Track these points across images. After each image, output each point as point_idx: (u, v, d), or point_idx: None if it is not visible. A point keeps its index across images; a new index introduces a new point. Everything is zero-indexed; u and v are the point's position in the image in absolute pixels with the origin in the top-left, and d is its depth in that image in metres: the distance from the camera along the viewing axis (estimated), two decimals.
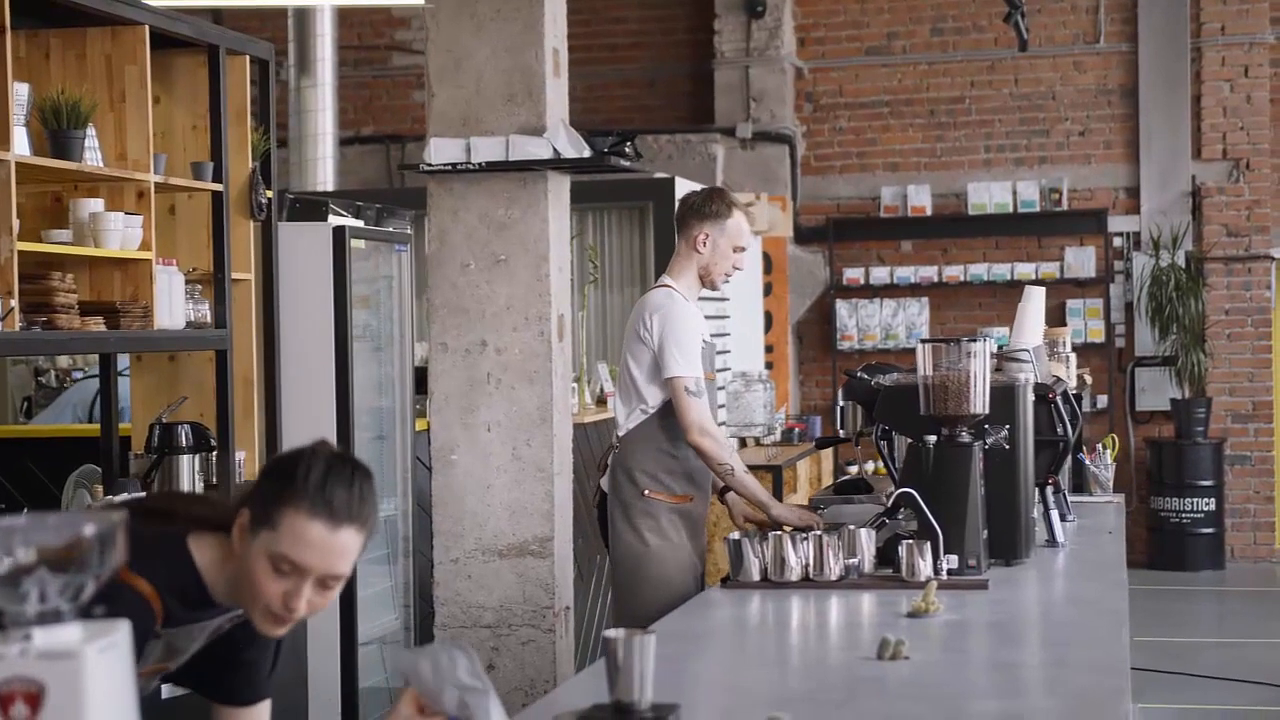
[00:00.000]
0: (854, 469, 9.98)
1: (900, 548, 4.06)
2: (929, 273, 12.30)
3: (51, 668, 1.65)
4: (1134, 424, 12.20)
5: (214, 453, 5.38)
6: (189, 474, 5.21)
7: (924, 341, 4.29)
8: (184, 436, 5.22)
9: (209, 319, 5.37)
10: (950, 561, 4.11)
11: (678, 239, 5.11)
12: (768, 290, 11.94)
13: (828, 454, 10.57)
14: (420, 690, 2.37)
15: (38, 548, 1.69)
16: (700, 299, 8.72)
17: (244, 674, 2.79)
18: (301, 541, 2.47)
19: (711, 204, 5.06)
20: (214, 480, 5.40)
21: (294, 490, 2.48)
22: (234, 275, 5.51)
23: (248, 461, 5.63)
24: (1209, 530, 11.74)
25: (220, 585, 2.58)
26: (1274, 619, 10.32)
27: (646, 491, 4.96)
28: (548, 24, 5.41)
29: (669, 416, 4.93)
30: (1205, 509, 11.70)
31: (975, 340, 4.26)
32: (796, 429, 10.34)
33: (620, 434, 5.08)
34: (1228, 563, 11.87)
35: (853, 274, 12.42)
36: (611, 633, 2.65)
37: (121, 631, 1.71)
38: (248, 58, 5.64)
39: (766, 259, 11.90)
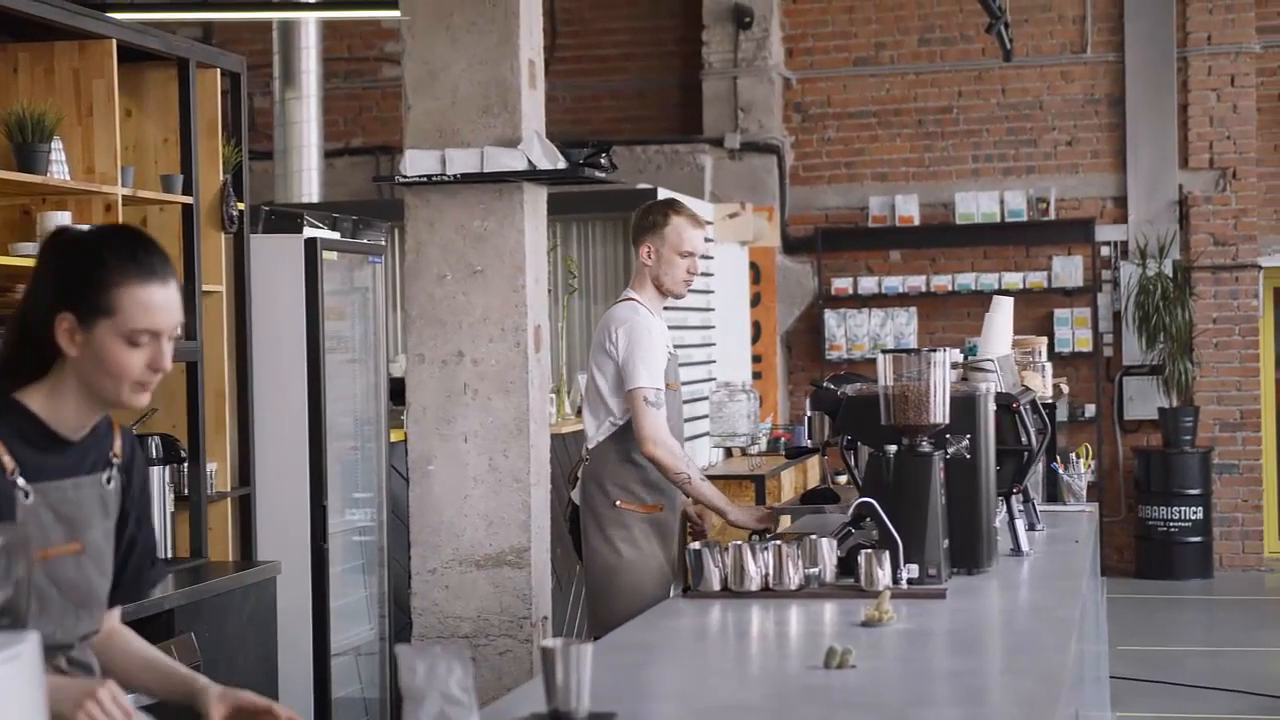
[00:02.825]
0: (843, 479, 9.98)
1: (859, 557, 4.07)
2: (917, 282, 12.32)
3: None
4: (1122, 433, 12.21)
5: (185, 464, 5.39)
6: (159, 485, 5.22)
7: (885, 352, 4.31)
8: (154, 448, 5.23)
9: (179, 331, 5.38)
10: (910, 571, 4.11)
11: (634, 254, 5.20)
12: (756, 300, 11.96)
13: (814, 463, 10.58)
14: (404, 688, 2.38)
15: None
16: (682, 309, 8.73)
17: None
18: (148, 309, 2.57)
19: (649, 216, 5.17)
20: (185, 492, 5.41)
21: (114, 270, 2.56)
22: (205, 287, 5.53)
23: (219, 473, 5.65)
24: (1197, 539, 11.74)
25: (64, 418, 2.63)
26: (1261, 628, 10.31)
27: (618, 502, 5.02)
28: (523, 36, 5.42)
29: None
30: (1193, 518, 11.71)
31: (935, 350, 4.27)
32: (783, 439, 10.34)
33: (589, 446, 5.14)
34: (1215, 571, 11.88)
35: (841, 284, 12.44)
36: (548, 643, 2.68)
37: (28, 643, 1.73)
38: (219, 71, 5.67)
39: (755, 269, 11.93)
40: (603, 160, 5.64)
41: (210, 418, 5.57)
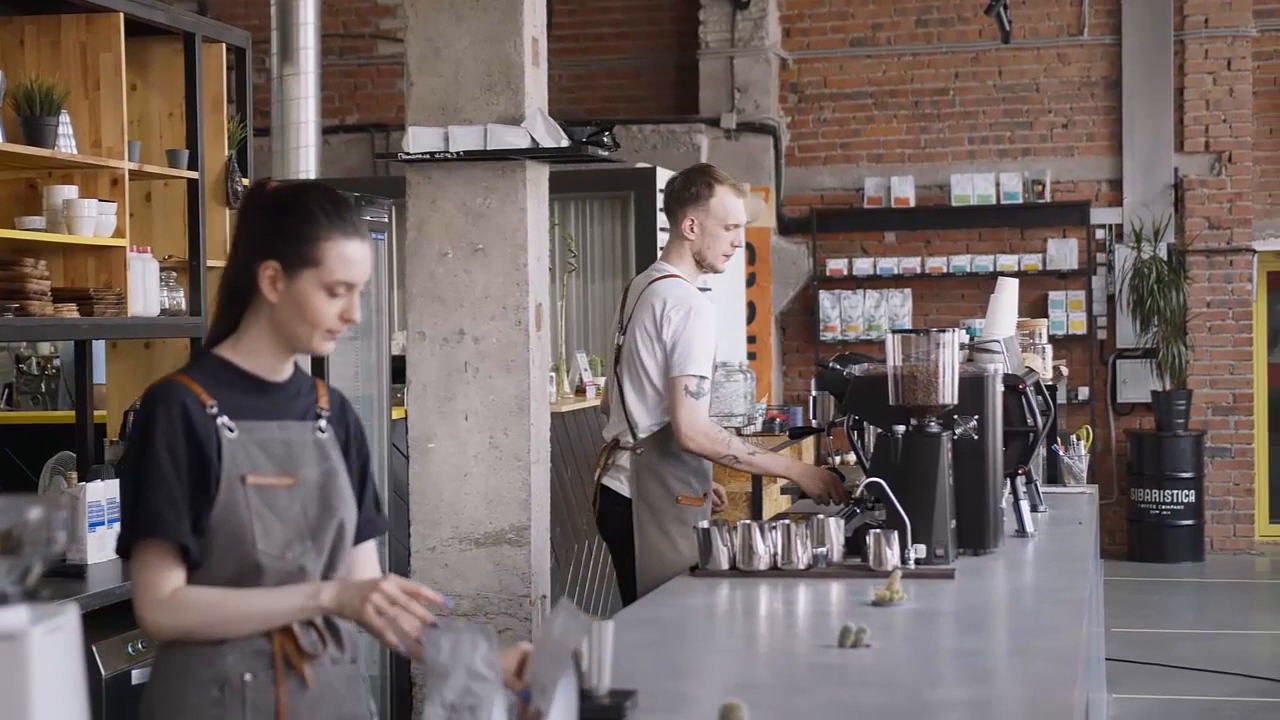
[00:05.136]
0: (836, 459, 10.00)
1: (868, 537, 4.08)
2: (912, 264, 12.33)
3: None
4: (1115, 416, 12.24)
5: None
6: None
7: (894, 332, 4.30)
8: None
9: (184, 306, 5.38)
10: (918, 551, 4.12)
11: (670, 227, 5.01)
12: (751, 280, 11.97)
13: (809, 444, 10.60)
14: (429, 664, 2.38)
15: None
16: None
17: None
18: (349, 263, 2.74)
19: (691, 186, 4.90)
20: None
21: (323, 226, 2.73)
22: (210, 263, 5.51)
23: None
24: (1189, 522, 11.78)
25: (258, 363, 2.78)
26: (1251, 610, 10.37)
27: (680, 498, 4.86)
28: (526, 13, 5.41)
29: None
30: (1185, 501, 11.75)
31: (944, 331, 4.27)
32: (778, 419, 10.36)
33: (641, 435, 4.89)
34: (1207, 554, 11.92)
35: (836, 265, 12.45)
36: None
37: (69, 615, 1.73)
38: (224, 45, 5.65)
39: (750, 249, 11.93)
40: (605, 139, 5.63)
41: None
